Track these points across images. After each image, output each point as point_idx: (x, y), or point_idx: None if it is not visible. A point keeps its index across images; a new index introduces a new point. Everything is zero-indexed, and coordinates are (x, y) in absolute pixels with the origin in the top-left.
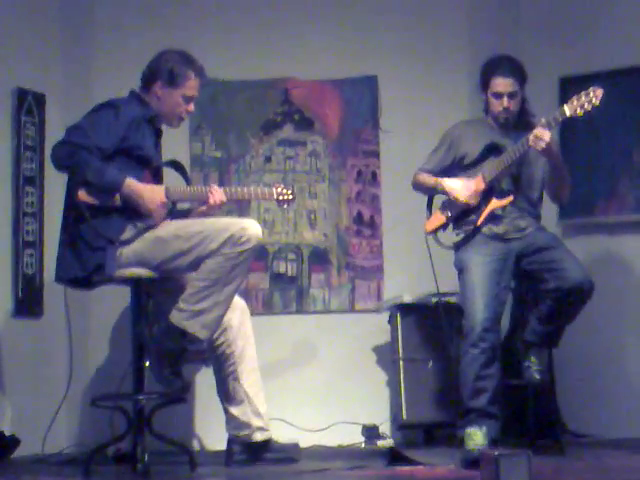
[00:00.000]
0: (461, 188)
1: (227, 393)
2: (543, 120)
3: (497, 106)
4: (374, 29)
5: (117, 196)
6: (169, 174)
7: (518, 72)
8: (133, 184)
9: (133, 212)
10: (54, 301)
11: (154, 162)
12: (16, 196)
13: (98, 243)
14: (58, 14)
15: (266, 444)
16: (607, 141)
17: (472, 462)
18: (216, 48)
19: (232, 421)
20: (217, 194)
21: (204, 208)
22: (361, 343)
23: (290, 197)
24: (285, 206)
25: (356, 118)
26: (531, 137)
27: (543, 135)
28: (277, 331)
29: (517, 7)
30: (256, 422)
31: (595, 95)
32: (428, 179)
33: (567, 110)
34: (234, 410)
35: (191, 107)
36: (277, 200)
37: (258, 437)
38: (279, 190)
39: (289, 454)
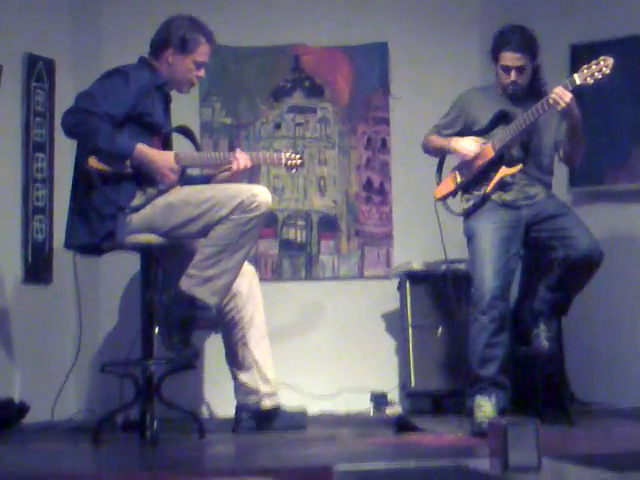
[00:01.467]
0: (468, 145)
1: (236, 359)
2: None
3: (505, 79)
4: None
5: (127, 162)
6: (180, 141)
7: (528, 46)
8: (144, 150)
9: (143, 178)
10: (63, 267)
11: (163, 129)
12: (26, 162)
13: (108, 210)
14: None
15: (274, 411)
16: (617, 109)
17: (481, 433)
18: (226, 15)
19: (240, 387)
20: (242, 159)
21: (226, 174)
22: (370, 310)
23: (298, 162)
24: (293, 171)
25: (366, 85)
26: (551, 98)
27: (564, 95)
28: (286, 297)
29: None
30: (264, 388)
31: (606, 64)
32: (438, 140)
33: (577, 79)
34: (243, 376)
35: (201, 72)
36: (285, 165)
37: (267, 403)
38: (287, 155)
39: (297, 422)
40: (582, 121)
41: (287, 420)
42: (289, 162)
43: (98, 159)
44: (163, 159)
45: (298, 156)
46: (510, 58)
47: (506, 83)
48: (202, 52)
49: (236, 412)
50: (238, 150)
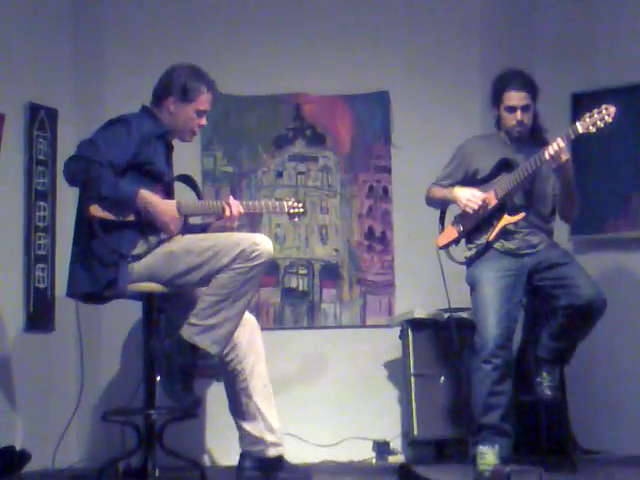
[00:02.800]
0: (469, 195)
1: (240, 409)
2: (560, 138)
3: (511, 120)
4: (386, 45)
5: (130, 214)
6: (182, 190)
7: (530, 85)
8: (147, 195)
9: (145, 227)
10: (65, 316)
11: (165, 177)
12: (28, 211)
13: (110, 259)
14: (70, 30)
15: (279, 460)
16: (619, 157)
17: None
18: (228, 64)
19: (246, 437)
20: (234, 206)
21: (221, 222)
22: (372, 358)
23: (301, 210)
24: (296, 219)
25: (368, 134)
26: (548, 152)
27: (561, 154)
28: (288, 346)
29: (529, 23)
30: (269, 438)
31: (608, 112)
32: (440, 191)
33: (580, 127)
34: (247, 426)
35: (203, 121)
36: (288, 214)
37: (271, 453)
38: (290, 203)
39: (301, 475)
40: (574, 180)
41: (291, 473)
42: (292, 210)
43: (102, 207)
44: (165, 208)
45: (301, 204)
46: (515, 97)
47: (512, 125)
48: (203, 101)
49: (240, 460)
50: (231, 197)
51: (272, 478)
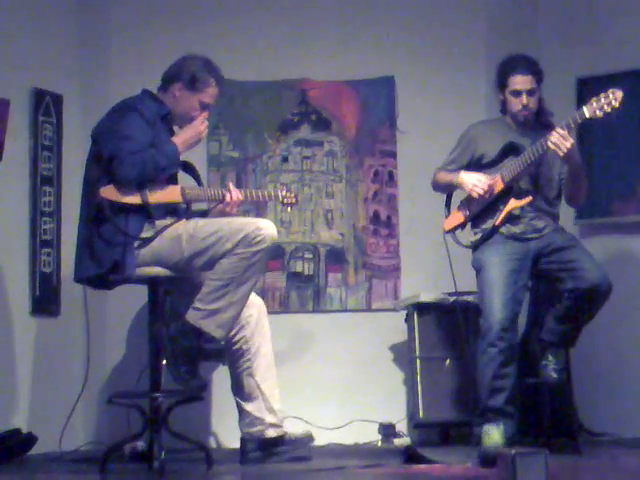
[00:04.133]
0: (475, 180)
1: (241, 389)
2: (560, 127)
3: (516, 104)
4: (390, 29)
5: (137, 194)
6: (182, 178)
7: (535, 69)
8: (179, 137)
9: (152, 210)
10: (71, 300)
11: None
12: (33, 196)
13: (116, 239)
14: (74, 15)
15: (279, 441)
16: (625, 141)
17: (489, 459)
18: (233, 49)
19: (245, 417)
20: (234, 192)
21: (221, 207)
22: (378, 342)
23: (293, 201)
24: (289, 209)
25: (373, 118)
26: (551, 142)
27: (564, 141)
28: (294, 330)
29: (534, 7)
30: (269, 418)
31: (615, 97)
32: (446, 175)
33: (586, 112)
34: (247, 406)
35: (205, 115)
36: (282, 203)
37: (271, 433)
38: (283, 193)
39: (302, 450)
40: (582, 165)
41: (292, 449)
42: (285, 200)
43: (114, 190)
44: (191, 130)
45: (293, 194)
46: (520, 81)
47: (517, 109)
48: (209, 94)
49: (241, 443)
50: (231, 184)
51: (275, 454)
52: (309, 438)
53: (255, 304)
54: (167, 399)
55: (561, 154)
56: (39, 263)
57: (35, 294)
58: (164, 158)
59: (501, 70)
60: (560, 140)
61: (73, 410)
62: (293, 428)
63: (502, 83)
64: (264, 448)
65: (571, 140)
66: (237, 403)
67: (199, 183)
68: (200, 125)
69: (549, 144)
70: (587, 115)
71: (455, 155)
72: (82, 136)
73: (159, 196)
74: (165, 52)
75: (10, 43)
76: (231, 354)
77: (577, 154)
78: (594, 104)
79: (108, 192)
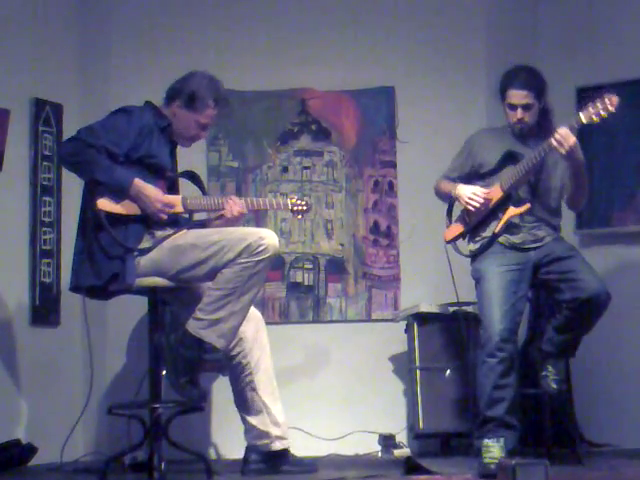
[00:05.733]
0: (470, 194)
1: (245, 403)
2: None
3: (512, 117)
4: (391, 40)
5: (136, 205)
6: (186, 186)
7: (534, 84)
8: (141, 184)
9: (151, 221)
10: (71, 310)
11: (168, 171)
12: (34, 205)
13: (115, 252)
14: (74, 25)
15: (284, 453)
16: (624, 151)
17: (489, 476)
18: (233, 58)
19: (251, 431)
20: (235, 205)
21: (222, 219)
22: (378, 352)
23: (304, 208)
24: (299, 217)
25: (373, 129)
26: (554, 139)
27: (567, 139)
28: (294, 340)
29: (534, 17)
30: (275, 431)
31: (610, 102)
32: (446, 185)
33: (583, 117)
34: (253, 420)
35: (204, 134)
36: (292, 211)
37: (277, 446)
38: (293, 201)
39: (306, 468)
40: (585, 165)
41: (296, 466)
42: (295, 208)
43: (111, 201)
44: (155, 193)
45: (304, 202)
46: (515, 96)
47: (512, 122)
48: (207, 115)
49: (245, 453)
50: (232, 197)
51: (278, 471)
52: (313, 467)
53: (253, 318)
54: (167, 409)
55: (563, 151)
56: (39, 273)
57: (35, 304)
58: (107, 175)
59: (501, 81)
60: (563, 137)
61: (77, 422)
62: (293, 440)
63: (501, 95)
64: (268, 460)
65: (574, 138)
66: (242, 417)
67: (204, 193)
68: (159, 208)
69: (552, 142)
70: (584, 121)
71: (457, 163)
72: None
73: None
74: (165, 62)
75: (10, 53)
76: (231, 369)
77: (580, 152)
78: (590, 109)
79: (105, 204)
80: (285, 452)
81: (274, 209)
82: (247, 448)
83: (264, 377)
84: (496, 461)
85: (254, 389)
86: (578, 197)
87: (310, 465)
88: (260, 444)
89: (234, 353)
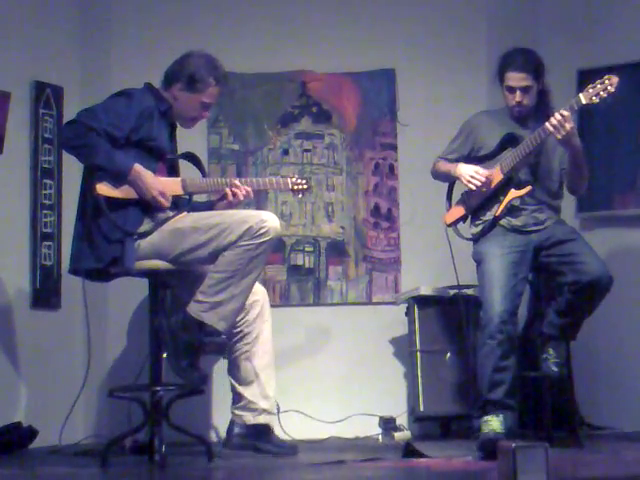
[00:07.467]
0: (472, 172)
1: (238, 372)
2: (562, 109)
3: (510, 100)
4: (392, 22)
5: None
6: (187, 167)
7: (532, 66)
8: (140, 170)
9: (150, 205)
10: (72, 293)
11: (168, 154)
12: (34, 188)
13: (115, 236)
14: (75, 7)
15: (268, 429)
16: (626, 134)
17: (488, 447)
18: (233, 41)
19: (239, 400)
20: (240, 190)
21: (224, 204)
22: (378, 335)
23: (305, 187)
24: (300, 196)
25: (374, 111)
26: (551, 123)
27: (564, 124)
28: (294, 323)
29: (535, 0)
30: (262, 404)
31: (610, 83)
32: (445, 165)
33: (583, 98)
34: (242, 389)
35: (206, 114)
36: (292, 190)
37: (262, 419)
38: (294, 180)
39: (288, 450)
40: (583, 150)
41: (279, 445)
42: (295, 187)
43: (110, 185)
44: (152, 181)
45: (304, 181)
46: (514, 78)
47: (511, 104)
48: (210, 94)
49: (229, 425)
50: (236, 180)
51: (259, 449)
52: (294, 449)
53: (258, 292)
54: (168, 392)
55: (559, 137)
56: (39, 256)
57: (35, 287)
58: (107, 159)
59: (499, 64)
60: (560, 122)
61: (74, 404)
62: (294, 422)
63: (499, 77)
64: (251, 435)
65: (571, 123)
66: (232, 386)
67: (204, 174)
68: (154, 195)
69: (548, 126)
70: (584, 102)
71: (456, 145)
72: None
73: None
74: (166, 44)
75: (11, 36)
76: (231, 336)
77: (577, 138)
78: (590, 90)
79: (104, 188)
80: (268, 428)
81: (274, 189)
82: (231, 421)
83: (261, 349)
84: (495, 432)
85: (249, 359)
86: (577, 182)
87: (292, 447)
88: (245, 416)
89: (239, 322)
